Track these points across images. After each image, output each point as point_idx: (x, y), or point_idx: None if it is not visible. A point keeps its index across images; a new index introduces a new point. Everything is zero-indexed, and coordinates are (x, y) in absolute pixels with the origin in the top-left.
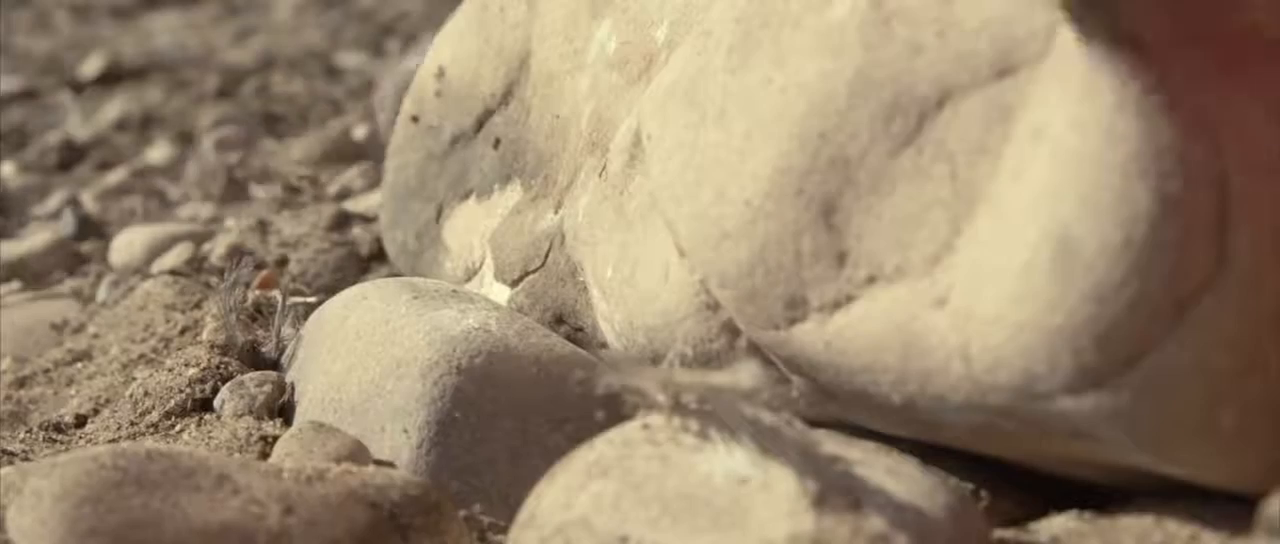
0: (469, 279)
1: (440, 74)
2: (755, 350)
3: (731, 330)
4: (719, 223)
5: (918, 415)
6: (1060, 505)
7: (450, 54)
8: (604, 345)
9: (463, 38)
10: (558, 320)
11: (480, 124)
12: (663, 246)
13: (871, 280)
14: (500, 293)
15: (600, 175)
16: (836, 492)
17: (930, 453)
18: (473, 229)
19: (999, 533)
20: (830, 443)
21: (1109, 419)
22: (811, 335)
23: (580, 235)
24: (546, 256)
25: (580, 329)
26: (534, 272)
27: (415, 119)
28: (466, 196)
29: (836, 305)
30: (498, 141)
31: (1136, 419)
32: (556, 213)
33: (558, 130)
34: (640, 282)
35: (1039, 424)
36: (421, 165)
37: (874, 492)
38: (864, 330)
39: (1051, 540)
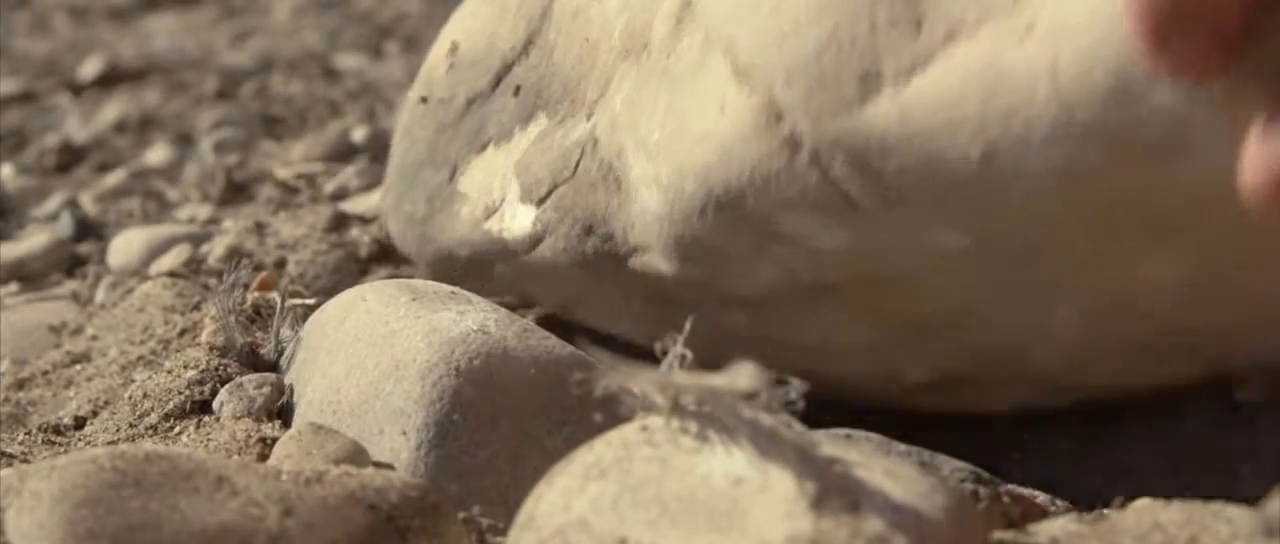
0: (488, 218)
1: (453, 49)
2: (815, 164)
3: (792, 145)
4: (783, 22)
5: (994, 171)
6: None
7: (463, 31)
8: (636, 249)
9: (475, 15)
10: (587, 231)
11: (498, 80)
12: (717, 85)
13: (951, 37)
14: (525, 215)
15: (641, 55)
16: (835, 493)
17: (930, 451)
18: (492, 172)
19: (997, 534)
20: (829, 444)
21: (1206, 109)
22: (885, 109)
23: (619, 123)
24: (577, 166)
25: (610, 236)
26: (563, 183)
27: (424, 100)
28: (484, 148)
29: (913, 70)
30: (518, 89)
31: (1237, 105)
32: (588, 121)
33: (587, 53)
34: (692, 126)
35: (1129, 139)
36: (432, 138)
37: (873, 493)
38: (943, 86)
39: (1051, 541)
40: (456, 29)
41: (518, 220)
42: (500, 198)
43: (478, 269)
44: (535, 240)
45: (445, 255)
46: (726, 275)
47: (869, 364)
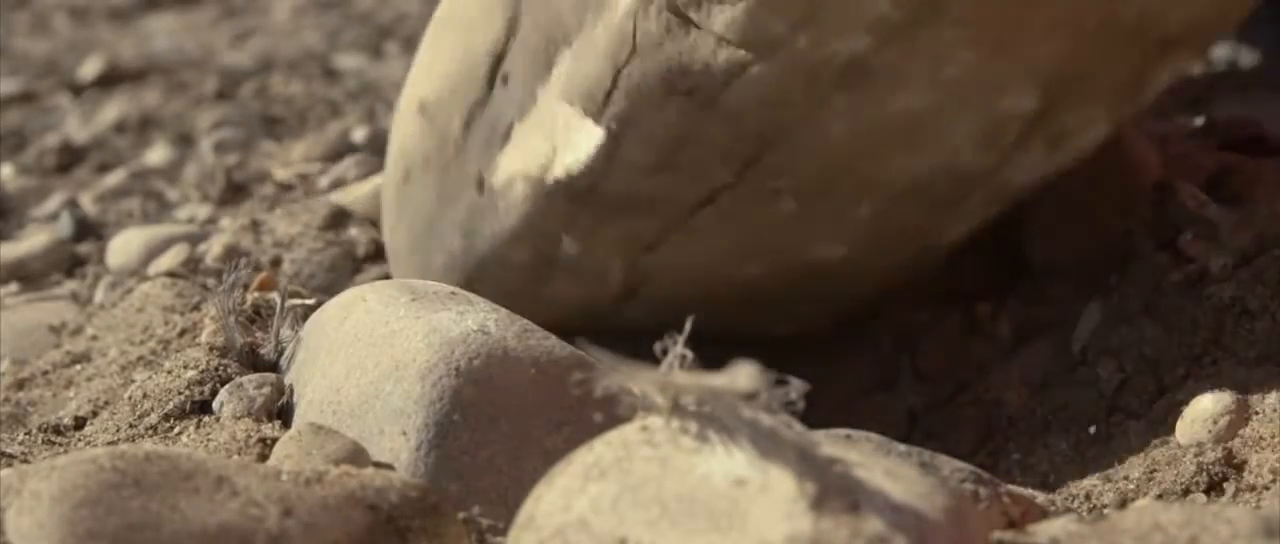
0: (546, 173)
1: (422, 108)
2: None
3: None
4: None
5: None
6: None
7: (423, 89)
8: (726, 72)
9: (428, 65)
10: (668, 91)
11: (492, 77)
12: None
13: None
14: (591, 132)
15: None
16: (835, 493)
17: (930, 451)
18: (528, 142)
19: (997, 535)
20: (829, 444)
21: None
22: None
23: None
24: (634, 37)
25: (694, 84)
26: (626, 63)
27: (407, 177)
28: (508, 136)
29: None
30: (507, 77)
31: None
32: None
33: None
34: None
35: None
36: (436, 185)
37: (873, 493)
38: None
39: (1051, 542)
40: (415, 92)
41: (584, 141)
42: (552, 147)
43: (534, 271)
44: (610, 150)
45: (498, 266)
46: (830, 15)
47: (973, 120)
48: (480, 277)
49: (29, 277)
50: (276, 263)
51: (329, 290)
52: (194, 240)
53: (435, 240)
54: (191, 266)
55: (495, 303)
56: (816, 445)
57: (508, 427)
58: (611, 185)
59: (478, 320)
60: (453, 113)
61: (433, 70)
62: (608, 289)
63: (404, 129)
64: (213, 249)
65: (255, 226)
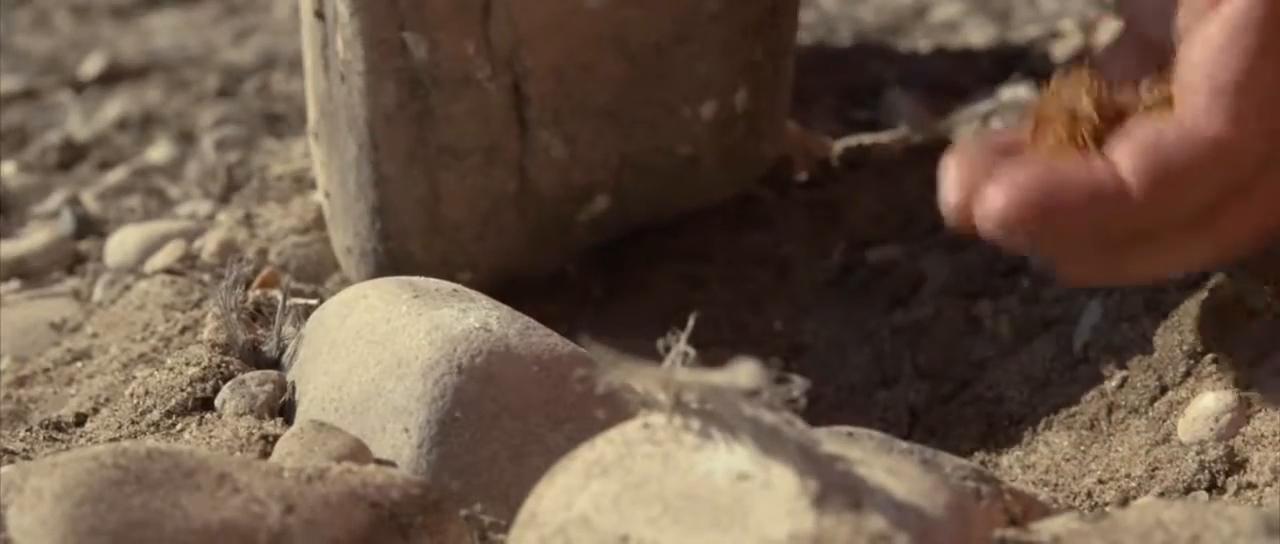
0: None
1: (313, 133)
2: None
3: None
4: None
5: None
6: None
7: (310, 124)
8: None
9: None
10: None
11: (320, 14)
12: None
13: None
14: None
15: None
16: (837, 491)
17: (932, 449)
18: None
19: (999, 533)
20: (831, 442)
21: None
22: None
23: None
24: None
25: None
26: None
27: (328, 193)
28: (335, 20)
29: None
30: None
31: None
32: None
33: None
34: None
35: None
36: (340, 146)
37: (875, 491)
38: None
39: (1052, 540)
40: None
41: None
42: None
43: (414, 114)
44: None
45: (385, 129)
46: None
47: None
48: (378, 157)
49: (30, 274)
50: (263, 253)
51: (317, 281)
52: (190, 236)
53: (348, 173)
54: (189, 262)
55: (414, 198)
56: (818, 443)
57: (510, 424)
58: None
59: (480, 317)
60: (320, 77)
61: (308, 103)
62: (496, 111)
63: (316, 169)
64: (209, 245)
65: (249, 220)
